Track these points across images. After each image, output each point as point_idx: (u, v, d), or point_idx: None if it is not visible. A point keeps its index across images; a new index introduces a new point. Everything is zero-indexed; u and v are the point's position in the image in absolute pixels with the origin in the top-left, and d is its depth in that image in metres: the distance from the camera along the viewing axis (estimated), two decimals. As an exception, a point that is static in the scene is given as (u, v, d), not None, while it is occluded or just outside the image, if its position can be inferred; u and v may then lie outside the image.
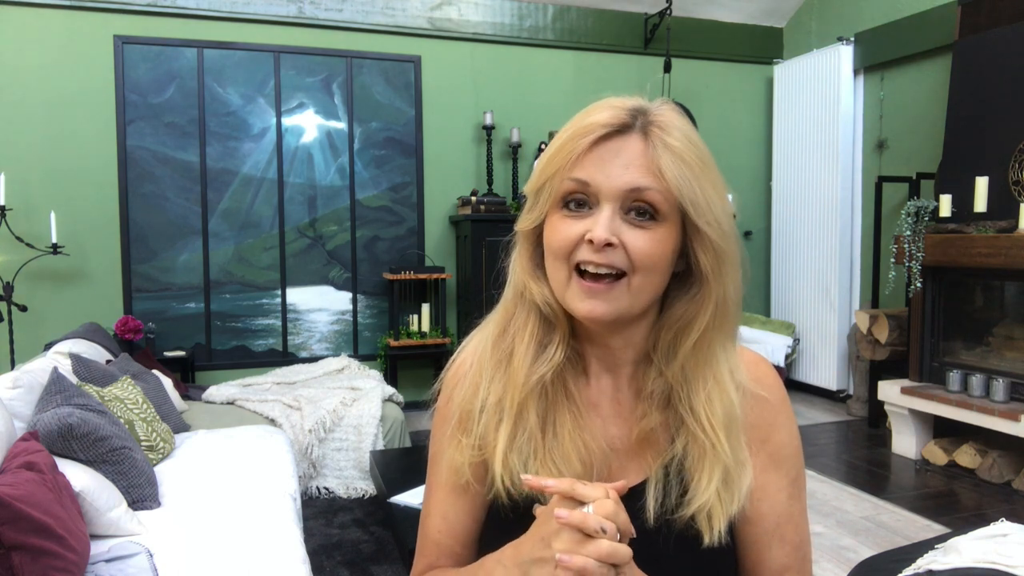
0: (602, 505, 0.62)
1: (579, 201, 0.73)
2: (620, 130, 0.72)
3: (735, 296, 0.77)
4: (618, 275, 0.72)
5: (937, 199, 3.88)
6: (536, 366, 0.77)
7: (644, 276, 0.72)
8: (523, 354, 0.78)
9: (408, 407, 4.37)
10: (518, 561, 0.67)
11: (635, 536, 0.65)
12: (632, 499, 0.73)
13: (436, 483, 0.85)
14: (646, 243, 0.71)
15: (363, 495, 3.44)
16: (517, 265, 0.81)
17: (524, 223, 0.79)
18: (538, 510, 0.69)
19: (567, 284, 0.73)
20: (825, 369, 5.23)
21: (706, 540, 0.72)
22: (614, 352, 0.79)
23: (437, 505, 0.84)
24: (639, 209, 0.71)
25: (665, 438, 0.77)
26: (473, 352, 0.85)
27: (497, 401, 0.79)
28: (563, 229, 0.73)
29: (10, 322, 4.00)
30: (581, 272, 0.72)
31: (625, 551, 0.62)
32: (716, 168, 0.74)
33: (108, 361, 3.24)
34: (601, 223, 0.70)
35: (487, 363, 0.82)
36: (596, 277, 0.71)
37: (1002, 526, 1.93)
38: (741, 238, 0.78)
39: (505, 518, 0.78)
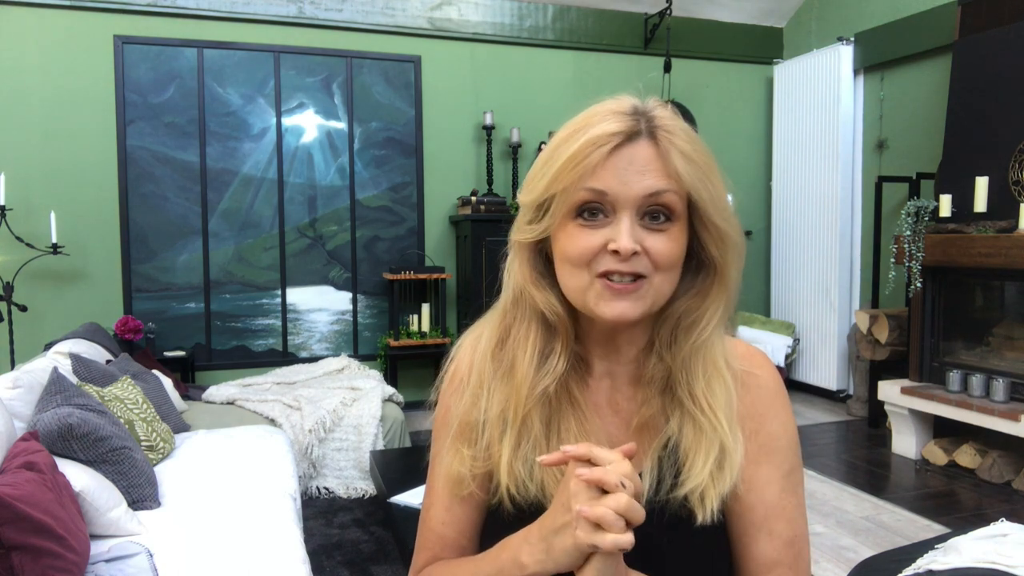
0: (619, 465, 0.65)
1: (593, 210, 0.73)
2: (630, 137, 0.72)
3: (738, 284, 0.79)
4: (639, 276, 0.73)
5: (937, 199, 3.88)
6: (539, 377, 0.77)
7: (663, 276, 0.73)
8: (526, 366, 0.78)
9: (408, 407, 4.37)
10: (543, 534, 0.68)
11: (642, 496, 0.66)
12: None
13: (438, 483, 0.85)
14: (666, 245, 0.72)
15: (363, 495, 3.44)
16: (516, 273, 0.80)
17: (527, 235, 0.78)
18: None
19: (588, 289, 0.73)
20: (825, 369, 5.23)
21: (699, 519, 0.73)
22: (619, 350, 0.80)
23: (440, 499, 0.85)
24: (654, 213, 0.72)
25: (662, 424, 0.78)
26: (469, 356, 0.85)
27: (499, 413, 0.79)
28: (582, 240, 0.73)
29: (10, 322, 4.00)
30: (603, 276, 0.73)
31: (641, 510, 0.63)
32: (716, 162, 0.76)
33: (108, 361, 3.24)
34: (624, 233, 0.70)
35: (487, 374, 0.82)
36: (621, 282, 0.72)
37: (1002, 526, 1.93)
38: (739, 223, 0.80)
39: (508, 522, 0.78)
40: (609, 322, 0.74)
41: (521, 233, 0.79)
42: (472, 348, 0.86)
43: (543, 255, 0.79)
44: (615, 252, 0.71)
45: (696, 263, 0.77)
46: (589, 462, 0.66)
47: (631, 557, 0.67)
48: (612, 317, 0.72)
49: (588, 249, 0.72)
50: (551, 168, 0.74)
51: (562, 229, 0.75)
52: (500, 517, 0.80)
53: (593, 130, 0.72)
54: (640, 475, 0.76)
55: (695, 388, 0.76)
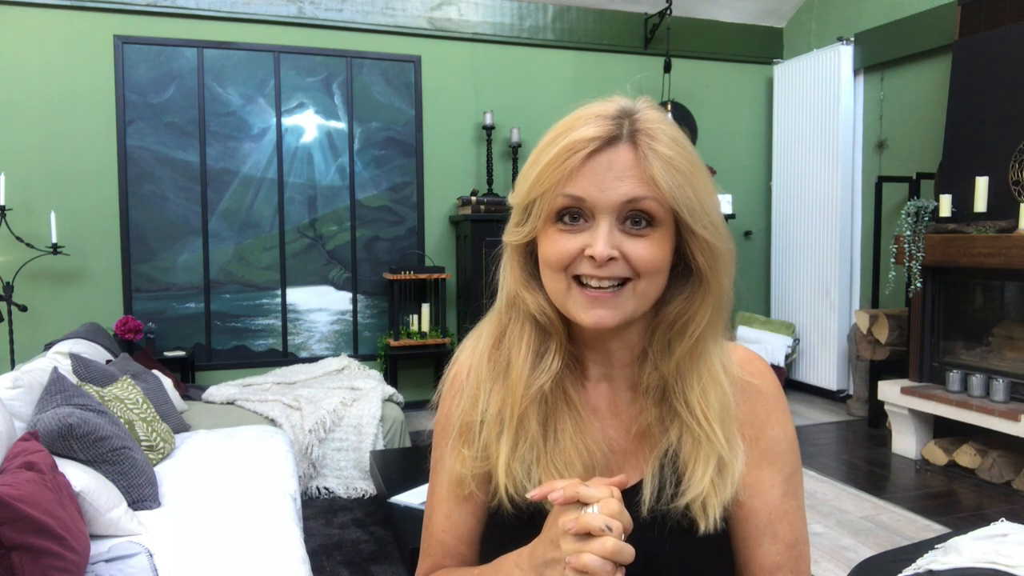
0: (607, 504, 0.64)
1: (573, 215, 0.72)
2: (609, 142, 0.71)
3: (730, 291, 0.78)
4: (621, 282, 0.72)
5: (937, 199, 3.88)
6: (534, 376, 0.77)
7: (647, 281, 0.72)
8: (521, 365, 0.78)
9: (408, 407, 4.37)
10: (533, 564, 0.68)
11: (631, 532, 0.66)
12: (630, 494, 0.74)
13: (439, 487, 0.86)
14: (646, 251, 0.71)
15: (363, 495, 3.44)
16: (508, 276, 0.81)
17: (514, 237, 0.78)
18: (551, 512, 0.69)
19: (567, 294, 0.74)
20: (825, 369, 5.23)
21: (702, 528, 0.73)
22: (612, 355, 0.80)
23: (440, 505, 0.85)
24: (635, 218, 0.71)
25: (661, 432, 0.78)
26: (469, 360, 0.85)
27: (497, 412, 0.79)
28: (560, 244, 0.73)
29: (10, 322, 4.00)
30: (581, 283, 0.73)
31: (630, 550, 0.63)
32: (703, 167, 0.74)
33: (108, 361, 3.24)
34: (601, 239, 0.70)
35: (484, 375, 0.82)
36: (599, 287, 0.72)
37: (1002, 526, 1.94)
38: (735, 236, 0.78)
39: (508, 524, 0.78)
40: (589, 328, 0.74)
41: (510, 235, 0.79)
42: (472, 351, 0.86)
43: (533, 257, 0.79)
44: (592, 258, 0.70)
45: (684, 267, 0.77)
46: (578, 501, 0.65)
47: (633, 567, 0.67)
48: (591, 323, 0.72)
49: (566, 254, 0.72)
50: (533, 172, 0.74)
51: (544, 233, 0.75)
52: (500, 519, 0.80)
53: (573, 135, 0.71)
54: (641, 483, 0.76)
55: (690, 397, 0.76)
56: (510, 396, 0.78)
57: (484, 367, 0.82)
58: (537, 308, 0.78)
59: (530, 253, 0.79)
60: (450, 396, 0.86)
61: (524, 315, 0.79)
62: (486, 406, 0.80)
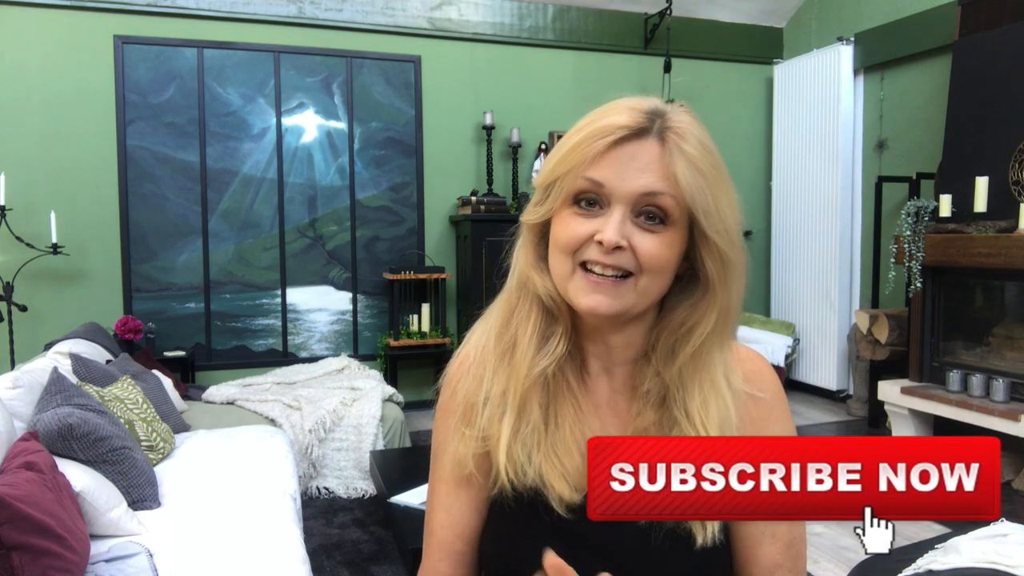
0: None
1: (590, 200, 0.73)
2: (638, 133, 0.72)
3: (738, 303, 0.78)
4: (624, 275, 0.72)
5: (937, 199, 3.88)
6: (538, 358, 0.78)
7: (650, 278, 0.73)
8: (526, 345, 0.78)
9: (408, 407, 4.37)
10: None
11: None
12: None
13: (439, 478, 0.85)
14: (655, 247, 0.72)
15: (363, 495, 3.44)
16: (521, 256, 0.81)
17: (531, 216, 0.79)
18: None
19: (570, 278, 0.74)
20: (825, 369, 5.23)
21: (699, 541, 0.73)
22: (613, 351, 0.80)
23: (440, 499, 0.85)
24: (649, 213, 0.72)
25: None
26: (476, 345, 0.86)
27: (501, 393, 0.80)
28: (573, 226, 0.73)
29: (10, 322, 4.00)
30: (585, 268, 0.73)
31: None
32: (728, 176, 0.75)
33: (108, 361, 3.24)
34: (612, 225, 0.71)
35: (490, 355, 0.82)
36: (602, 275, 0.72)
37: (1002, 526, 1.94)
38: (744, 241, 0.79)
39: (508, 511, 0.78)
40: (584, 312, 0.74)
41: (528, 214, 0.80)
42: (481, 334, 0.86)
43: (546, 240, 0.79)
44: (600, 243, 0.71)
45: (692, 273, 0.77)
46: None
47: (632, 569, 0.67)
48: (587, 307, 0.73)
49: (576, 237, 0.73)
50: (558, 153, 0.75)
51: (559, 214, 0.75)
52: (502, 506, 0.80)
53: (603, 120, 0.72)
54: None
55: (690, 406, 0.76)
56: (514, 376, 0.79)
57: (491, 346, 0.83)
58: (545, 291, 0.78)
59: (544, 235, 0.80)
60: (456, 378, 0.86)
61: (533, 297, 0.80)
62: (490, 386, 0.81)
